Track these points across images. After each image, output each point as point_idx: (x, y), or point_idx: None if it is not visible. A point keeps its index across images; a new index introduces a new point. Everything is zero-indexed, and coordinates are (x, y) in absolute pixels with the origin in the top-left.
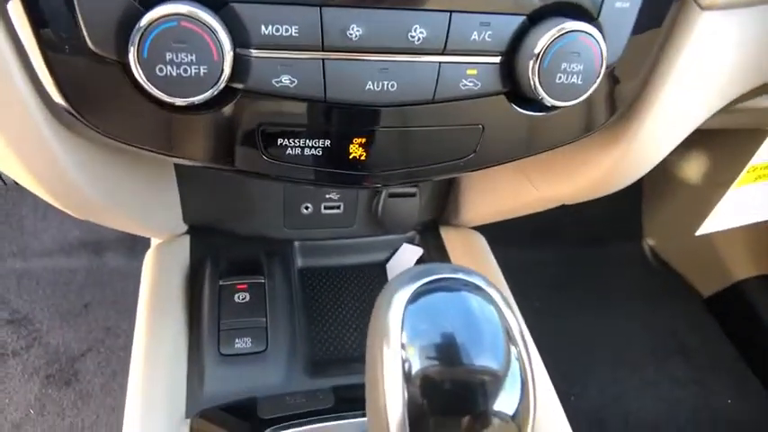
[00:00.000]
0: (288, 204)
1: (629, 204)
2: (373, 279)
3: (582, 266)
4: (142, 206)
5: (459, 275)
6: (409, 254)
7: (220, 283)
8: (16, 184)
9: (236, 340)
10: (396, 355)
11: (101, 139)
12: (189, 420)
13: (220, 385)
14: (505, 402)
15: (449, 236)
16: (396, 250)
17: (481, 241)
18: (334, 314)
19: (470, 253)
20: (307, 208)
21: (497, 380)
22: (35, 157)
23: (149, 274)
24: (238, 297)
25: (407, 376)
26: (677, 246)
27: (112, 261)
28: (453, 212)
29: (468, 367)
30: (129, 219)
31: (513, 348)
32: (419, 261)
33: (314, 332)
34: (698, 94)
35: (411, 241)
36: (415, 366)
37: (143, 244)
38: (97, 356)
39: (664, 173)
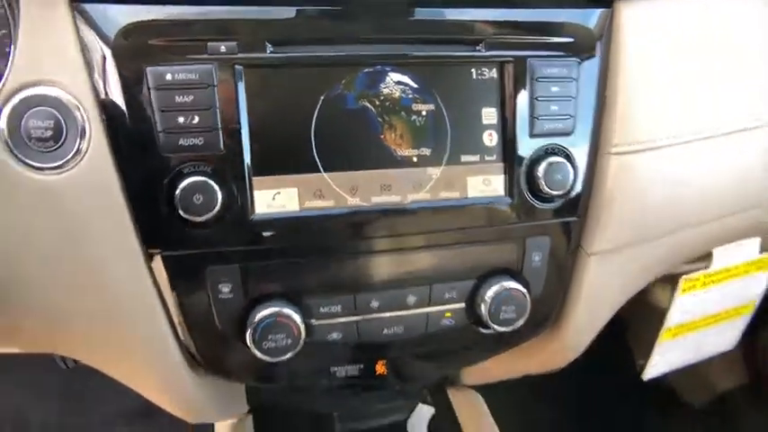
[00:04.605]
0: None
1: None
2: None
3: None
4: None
5: None
6: (424, 412)
7: None
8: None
9: None
10: None
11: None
12: None
13: None
14: None
15: (455, 397)
16: (412, 410)
17: (480, 400)
18: None
19: (473, 414)
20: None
21: None
22: (173, 385)
23: None
24: None
25: None
26: None
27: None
28: (457, 376)
29: None
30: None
31: None
32: (432, 418)
33: None
34: (604, 303)
35: (424, 401)
36: None
37: None
38: None
39: (642, 300)
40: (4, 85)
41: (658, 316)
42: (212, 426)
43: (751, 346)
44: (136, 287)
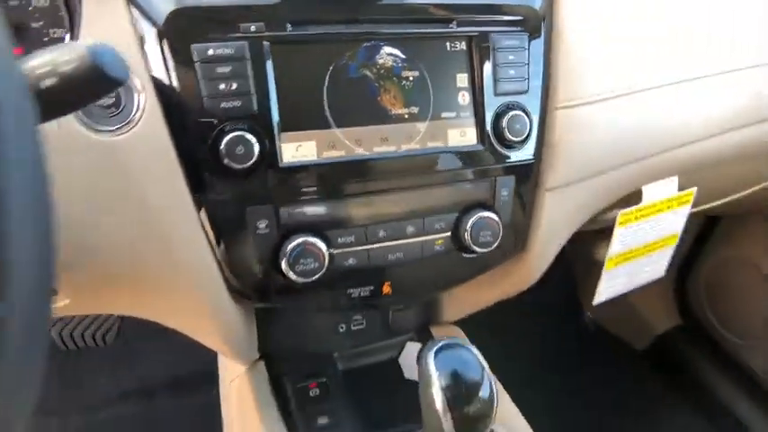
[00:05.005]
0: (329, 326)
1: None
2: (392, 368)
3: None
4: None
5: (452, 342)
6: (413, 349)
7: (297, 386)
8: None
9: (319, 418)
10: (436, 381)
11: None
12: None
13: None
14: (485, 401)
15: (438, 331)
16: (402, 348)
17: (460, 332)
18: (375, 384)
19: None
20: (341, 327)
21: (479, 386)
22: (222, 319)
23: (249, 392)
24: (312, 392)
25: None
26: (610, 313)
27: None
28: (438, 315)
29: (469, 381)
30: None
31: (486, 375)
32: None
33: (365, 403)
34: (558, 231)
35: (411, 340)
36: (446, 386)
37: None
38: None
39: (587, 259)
40: None
41: (601, 268)
42: (211, 408)
43: (682, 291)
44: (189, 231)
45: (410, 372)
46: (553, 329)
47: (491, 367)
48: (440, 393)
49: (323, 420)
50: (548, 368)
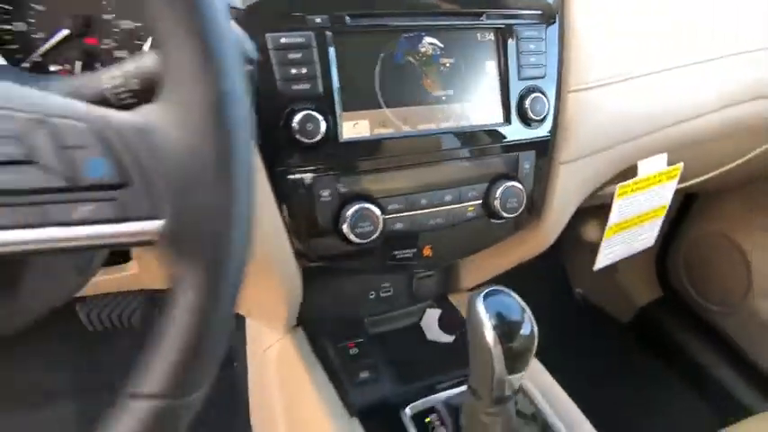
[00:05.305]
0: (361, 294)
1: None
2: (415, 331)
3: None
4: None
5: (496, 288)
6: (432, 314)
7: (338, 345)
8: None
9: (360, 373)
10: (487, 321)
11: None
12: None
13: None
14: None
15: (454, 299)
16: (423, 314)
17: None
18: (402, 345)
19: None
20: (372, 294)
21: (521, 324)
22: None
23: (293, 354)
24: (351, 351)
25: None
26: (597, 288)
27: None
28: (456, 282)
29: (513, 320)
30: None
31: (527, 316)
32: (439, 319)
33: (394, 360)
34: (570, 200)
35: (431, 307)
36: (494, 325)
37: None
38: None
39: (575, 239)
40: None
41: (589, 247)
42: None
43: (663, 265)
44: (265, 199)
45: (432, 334)
46: (544, 306)
47: None
48: (491, 331)
49: (364, 375)
50: (541, 341)
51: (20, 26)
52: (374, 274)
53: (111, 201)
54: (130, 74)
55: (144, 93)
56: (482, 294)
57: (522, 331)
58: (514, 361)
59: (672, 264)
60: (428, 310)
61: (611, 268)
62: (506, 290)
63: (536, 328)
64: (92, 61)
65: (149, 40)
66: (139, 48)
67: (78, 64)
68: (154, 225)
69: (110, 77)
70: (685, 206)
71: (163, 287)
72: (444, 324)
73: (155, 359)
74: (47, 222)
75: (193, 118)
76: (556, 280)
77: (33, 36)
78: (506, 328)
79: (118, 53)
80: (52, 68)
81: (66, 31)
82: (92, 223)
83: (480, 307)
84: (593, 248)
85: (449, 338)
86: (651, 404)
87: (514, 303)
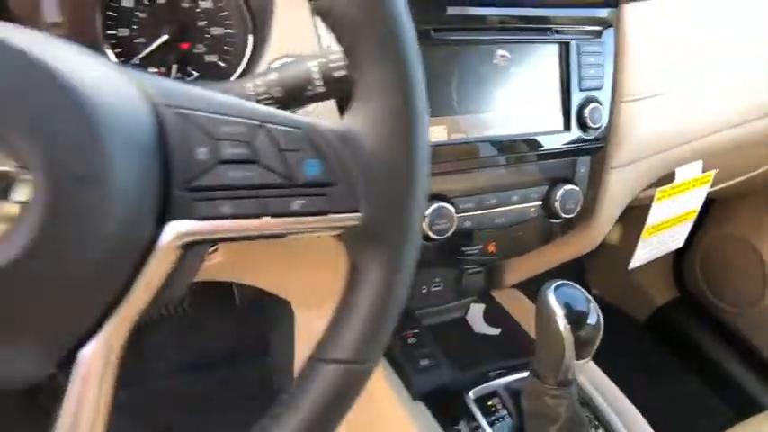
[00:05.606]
0: (414, 287)
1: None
2: (461, 324)
3: None
4: None
5: (564, 282)
6: (477, 309)
7: (398, 335)
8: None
9: (420, 361)
10: (558, 311)
11: None
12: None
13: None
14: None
15: (498, 295)
16: (468, 309)
17: (521, 295)
18: (451, 337)
19: (518, 305)
20: (424, 288)
21: (587, 314)
22: None
23: None
24: (410, 341)
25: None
26: (614, 288)
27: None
28: (501, 278)
29: (581, 311)
30: None
31: (592, 307)
32: (484, 313)
33: (447, 350)
34: (617, 203)
35: (475, 302)
36: (564, 314)
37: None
38: None
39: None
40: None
41: (610, 250)
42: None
43: (679, 266)
44: None
45: (479, 327)
46: None
47: None
48: (563, 320)
49: (424, 362)
50: None
51: (123, 32)
52: (430, 269)
53: (323, 196)
54: (273, 83)
55: (283, 99)
56: (552, 287)
57: (588, 320)
58: (582, 348)
59: (688, 265)
60: (473, 305)
61: (629, 269)
62: (572, 283)
63: (602, 318)
64: (184, 65)
65: (250, 47)
66: (227, 53)
67: (174, 67)
68: (353, 216)
69: (254, 85)
70: (703, 210)
71: (234, 280)
72: (490, 318)
73: (345, 330)
74: (266, 213)
75: (387, 128)
76: (574, 280)
77: (135, 41)
78: (575, 317)
79: (208, 57)
80: (151, 70)
81: (165, 37)
82: (304, 215)
83: (551, 298)
84: (612, 250)
85: (495, 331)
86: (667, 402)
87: (581, 295)
